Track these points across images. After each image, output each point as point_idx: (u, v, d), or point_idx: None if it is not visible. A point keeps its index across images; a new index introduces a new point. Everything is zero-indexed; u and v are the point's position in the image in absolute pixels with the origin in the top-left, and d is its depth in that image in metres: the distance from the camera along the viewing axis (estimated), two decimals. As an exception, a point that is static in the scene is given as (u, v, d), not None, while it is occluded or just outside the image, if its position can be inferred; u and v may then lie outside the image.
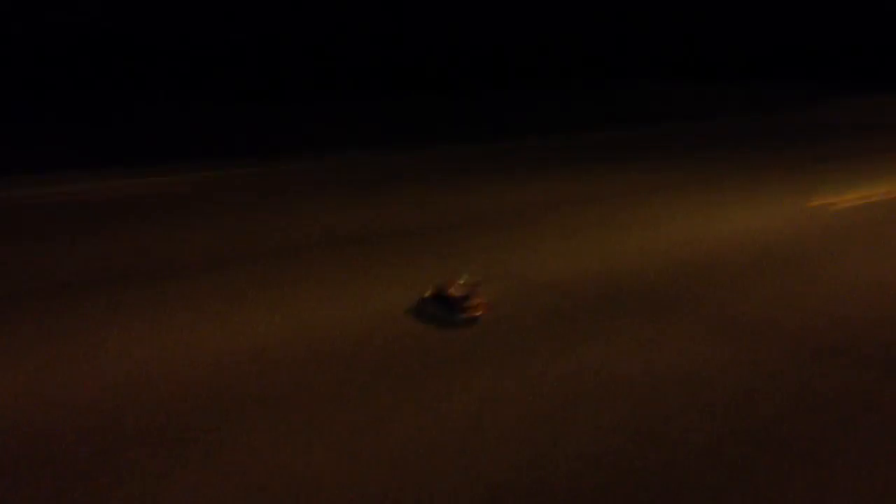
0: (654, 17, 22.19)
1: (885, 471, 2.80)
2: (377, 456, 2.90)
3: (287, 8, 15.93)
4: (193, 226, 6.73)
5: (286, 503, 2.61)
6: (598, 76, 19.27)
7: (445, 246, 5.95)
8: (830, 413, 3.23)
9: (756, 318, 4.32)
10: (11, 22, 13.31)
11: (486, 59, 18.24)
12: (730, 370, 3.65)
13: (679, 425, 3.13)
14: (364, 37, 17.11)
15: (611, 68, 19.85)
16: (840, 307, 4.55)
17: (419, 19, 17.75)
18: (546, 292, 4.82)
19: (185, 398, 3.38)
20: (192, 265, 5.47)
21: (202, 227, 6.66)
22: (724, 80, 19.61)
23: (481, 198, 7.92)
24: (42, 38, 13.55)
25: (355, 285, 4.94)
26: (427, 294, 4.47)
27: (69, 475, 2.78)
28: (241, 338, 4.07)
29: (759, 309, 4.49)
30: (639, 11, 22.00)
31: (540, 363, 3.73)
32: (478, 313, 4.30)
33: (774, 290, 4.88)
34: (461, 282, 4.54)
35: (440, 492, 2.67)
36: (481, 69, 17.80)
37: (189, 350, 3.92)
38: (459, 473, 2.78)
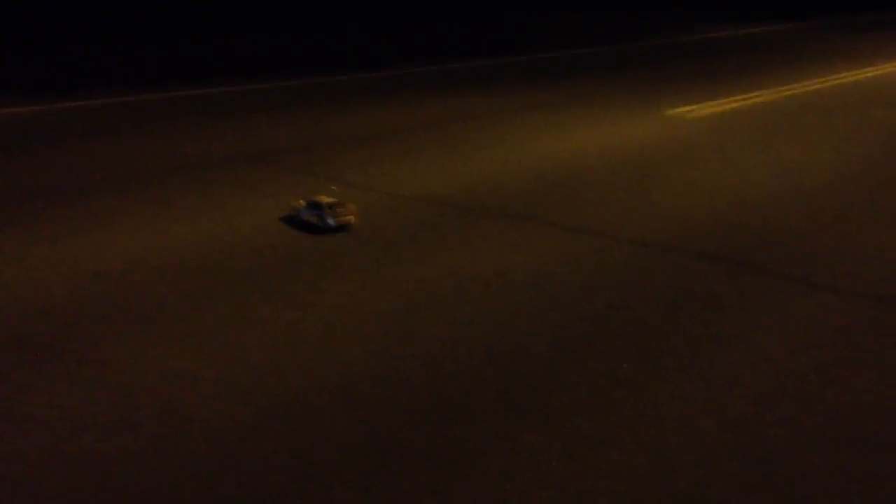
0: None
1: (703, 348, 3.15)
2: (244, 351, 3.08)
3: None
4: (67, 150, 6.64)
5: (160, 401, 2.76)
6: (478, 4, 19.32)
7: (317, 163, 6.08)
8: (660, 301, 3.57)
9: (606, 222, 4.65)
10: None
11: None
12: (576, 267, 3.96)
13: (526, 314, 3.42)
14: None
15: None
16: (685, 209, 4.93)
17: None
18: (414, 204, 5.04)
19: (53, 311, 3.47)
20: (63, 188, 5.45)
21: (73, 152, 6.58)
22: (604, 8, 19.98)
23: (353, 119, 8.02)
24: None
25: (227, 201, 5.04)
26: (300, 202, 4.61)
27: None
28: (110, 254, 4.14)
29: (610, 213, 4.82)
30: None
31: (402, 268, 3.96)
32: (349, 219, 4.48)
33: (626, 195, 5.22)
34: (333, 188, 4.69)
35: (301, 378, 2.88)
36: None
37: (57, 267, 3.98)
38: (320, 362, 3.00)
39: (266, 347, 3.12)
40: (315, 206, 4.50)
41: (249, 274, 3.87)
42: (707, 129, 7.33)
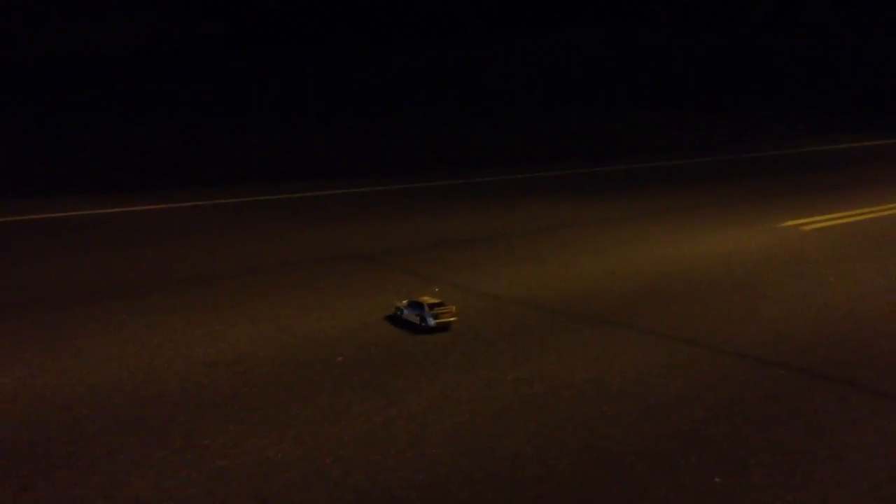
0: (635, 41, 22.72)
1: (799, 465, 3.07)
2: (338, 444, 3.19)
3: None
4: (191, 246, 7.05)
5: (254, 482, 2.89)
6: (585, 105, 19.63)
7: (423, 264, 6.26)
8: (759, 416, 3.50)
9: (707, 332, 4.60)
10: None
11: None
12: (673, 378, 3.93)
13: (619, 426, 3.40)
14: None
15: (591, 96, 20.20)
16: (791, 322, 4.82)
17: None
18: (514, 307, 5.11)
19: (163, 397, 3.66)
20: (183, 280, 5.78)
21: (190, 247, 6.98)
22: (708, 109, 19.94)
23: (461, 221, 8.23)
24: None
25: (333, 300, 5.23)
26: (402, 302, 4.76)
27: (50, 460, 3.07)
28: (223, 344, 4.36)
29: (712, 323, 4.77)
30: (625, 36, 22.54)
31: (497, 370, 4.01)
32: (450, 319, 4.58)
33: (730, 305, 5.16)
34: (436, 290, 4.85)
35: (391, 475, 2.95)
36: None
37: (173, 354, 4.21)
38: (410, 458, 3.07)
39: (360, 442, 3.21)
40: (416, 306, 4.63)
41: (350, 369, 4.00)
42: (822, 242, 7.18)
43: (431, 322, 4.52)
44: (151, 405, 3.57)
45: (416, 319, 4.58)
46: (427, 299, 4.66)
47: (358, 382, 3.83)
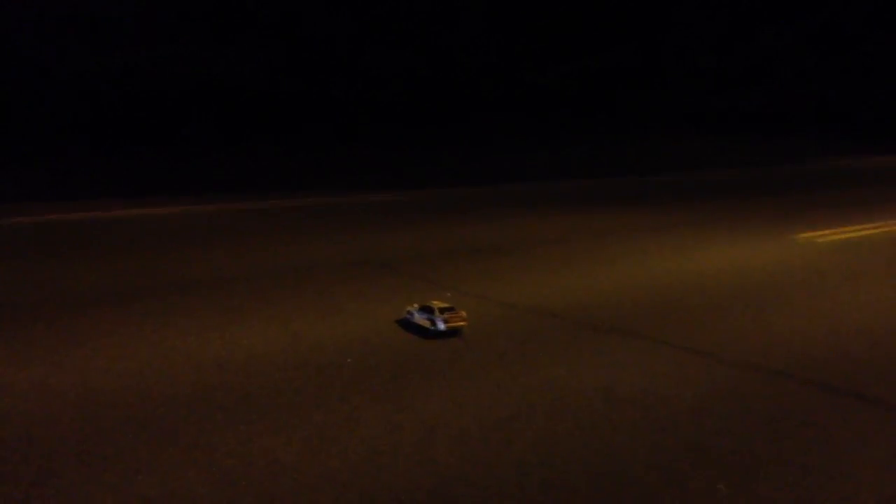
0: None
1: (806, 479, 3.06)
2: (347, 447, 3.20)
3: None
4: (202, 248, 7.11)
5: (262, 483, 2.91)
6: (616, 126, 19.78)
7: (437, 272, 6.27)
8: (767, 429, 3.49)
9: (719, 344, 4.59)
10: None
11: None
12: (683, 388, 3.92)
13: (628, 435, 3.40)
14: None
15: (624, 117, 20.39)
16: (804, 336, 4.80)
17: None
18: (526, 316, 5.12)
19: (175, 398, 3.70)
20: (199, 283, 5.82)
21: (209, 251, 7.03)
22: (730, 132, 20.07)
23: (477, 231, 8.25)
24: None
25: (347, 304, 5.27)
26: (413, 306, 4.78)
27: (60, 457, 3.11)
28: (235, 347, 4.39)
29: (725, 335, 4.76)
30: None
31: (507, 377, 4.02)
32: (460, 324, 4.59)
33: (744, 318, 5.15)
34: (447, 294, 4.86)
35: (398, 478, 2.96)
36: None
37: (186, 355, 4.25)
38: (417, 463, 3.08)
39: (368, 445, 3.23)
40: (427, 310, 4.65)
41: (361, 373, 4.02)
42: (837, 256, 7.16)
43: (441, 326, 4.54)
44: (162, 405, 3.60)
45: (426, 323, 4.60)
46: (437, 304, 4.69)
47: (368, 386, 3.85)
